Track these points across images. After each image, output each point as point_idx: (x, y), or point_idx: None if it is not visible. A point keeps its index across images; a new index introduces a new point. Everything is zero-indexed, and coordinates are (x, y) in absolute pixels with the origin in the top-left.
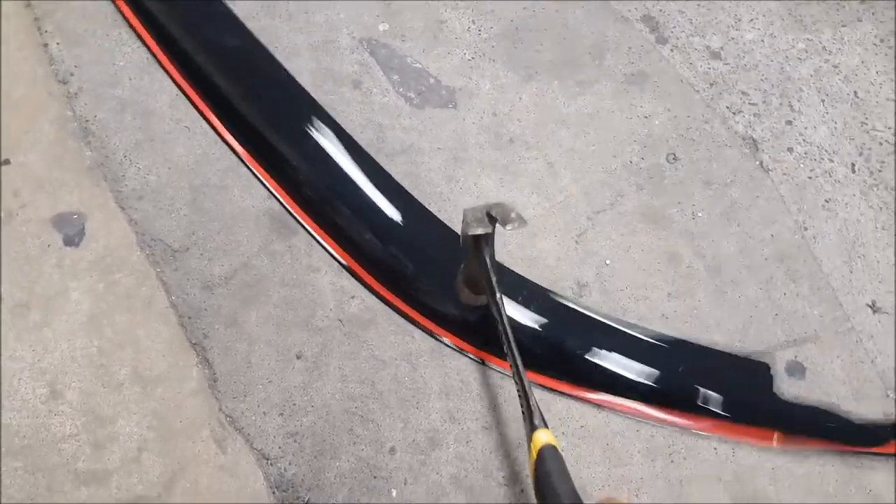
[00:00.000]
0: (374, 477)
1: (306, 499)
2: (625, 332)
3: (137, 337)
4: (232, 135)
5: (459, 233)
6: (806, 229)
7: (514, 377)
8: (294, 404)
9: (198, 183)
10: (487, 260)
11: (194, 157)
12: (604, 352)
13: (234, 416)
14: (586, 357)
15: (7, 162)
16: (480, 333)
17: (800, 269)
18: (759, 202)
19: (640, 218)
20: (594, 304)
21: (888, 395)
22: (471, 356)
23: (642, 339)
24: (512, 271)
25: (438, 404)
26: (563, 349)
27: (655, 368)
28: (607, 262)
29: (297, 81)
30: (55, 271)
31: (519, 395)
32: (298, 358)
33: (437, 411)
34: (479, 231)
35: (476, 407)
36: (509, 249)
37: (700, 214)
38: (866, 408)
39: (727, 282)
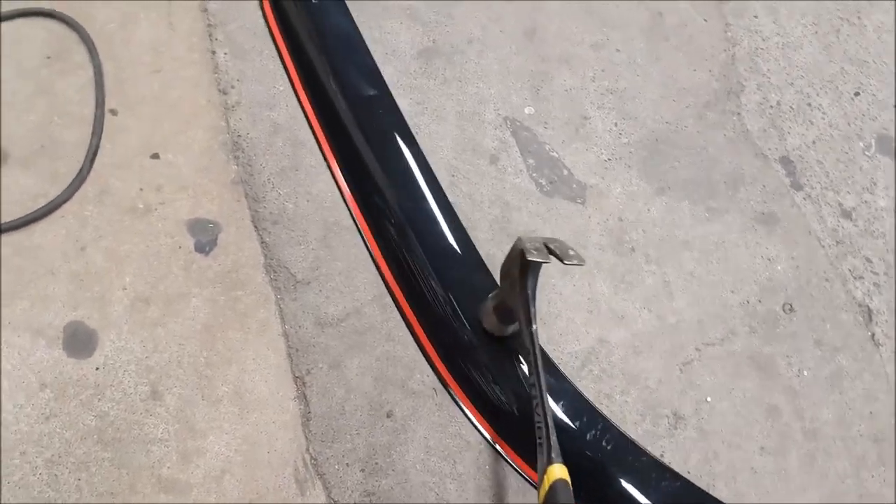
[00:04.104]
0: None
1: None
2: (646, 461)
3: (245, 357)
4: (350, 191)
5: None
6: None
7: (535, 407)
8: (376, 463)
9: (332, 221)
10: (531, 291)
11: (333, 196)
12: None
13: (318, 460)
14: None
15: (156, 156)
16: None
17: (892, 454)
18: (865, 376)
19: (747, 361)
20: (688, 440)
21: None
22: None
23: (659, 474)
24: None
25: (514, 501)
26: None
27: None
28: (708, 398)
29: (421, 153)
30: (181, 274)
31: (538, 426)
32: (389, 417)
33: None
34: (538, 259)
35: None
36: (612, 360)
37: (806, 373)
38: None
39: (820, 449)
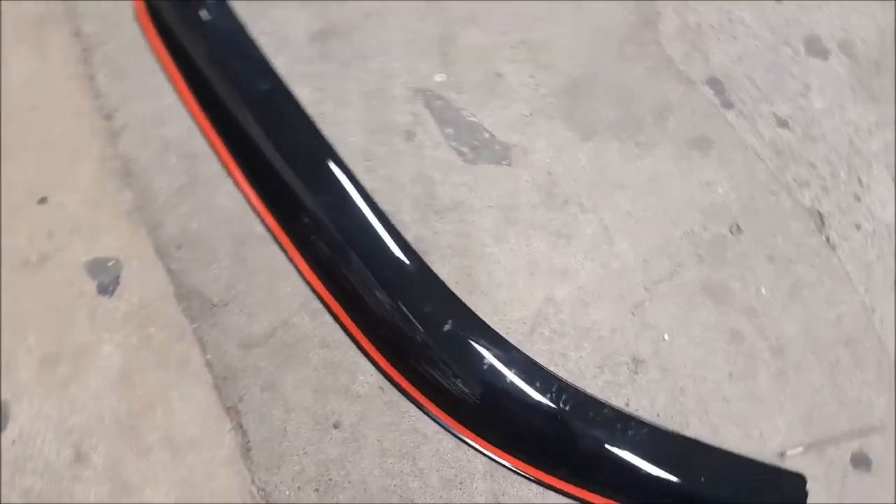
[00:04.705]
0: None
1: None
2: (642, 427)
3: (170, 398)
4: (257, 196)
5: None
6: (873, 311)
7: None
8: (330, 479)
9: (242, 233)
10: None
11: (239, 205)
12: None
13: (267, 490)
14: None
15: (44, 200)
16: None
17: (866, 355)
18: (825, 280)
19: (700, 291)
20: (651, 382)
21: None
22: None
23: (660, 437)
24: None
25: (483, 486)
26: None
27: (672, 475)
28: (665, 336)
29: (327, 143)
30: (87, 322)
31: None
32: (336, 427)
33: (482, 493)
34: None
35: (523, 491)
36: (561, 318)
37: (763, 291)
38: None
39: (790, 364)
